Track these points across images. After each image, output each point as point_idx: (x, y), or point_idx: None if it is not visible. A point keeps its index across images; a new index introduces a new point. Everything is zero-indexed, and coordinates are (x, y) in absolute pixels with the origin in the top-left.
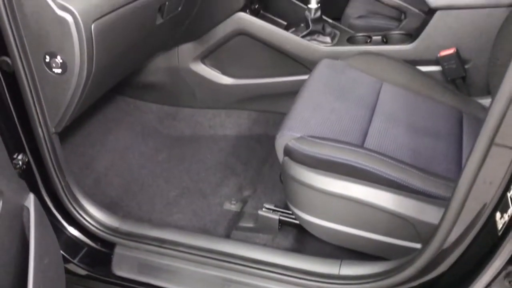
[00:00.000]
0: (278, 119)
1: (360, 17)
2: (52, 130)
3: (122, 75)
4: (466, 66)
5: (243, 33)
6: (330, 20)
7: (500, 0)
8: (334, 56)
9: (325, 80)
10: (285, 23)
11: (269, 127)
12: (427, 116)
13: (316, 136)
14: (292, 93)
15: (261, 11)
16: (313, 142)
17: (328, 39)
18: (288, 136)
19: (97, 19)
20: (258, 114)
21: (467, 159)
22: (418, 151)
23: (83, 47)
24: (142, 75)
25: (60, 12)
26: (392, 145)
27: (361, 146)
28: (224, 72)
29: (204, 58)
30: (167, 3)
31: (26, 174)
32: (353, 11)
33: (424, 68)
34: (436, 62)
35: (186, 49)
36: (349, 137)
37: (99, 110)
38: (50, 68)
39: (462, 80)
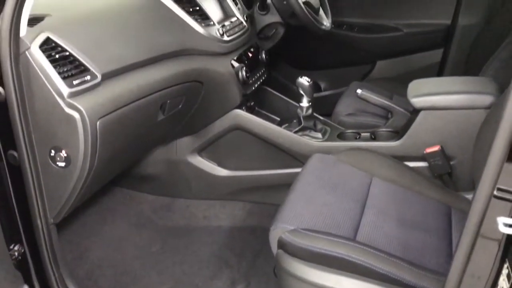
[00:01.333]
0: (272, 210)
1: (349, 114)
2: (51, 220)
3: (122, 168)
4: (451, 163)
5: (239, 128)
6: (321, 117)
7: (479, 102)
8: (325, 151)
9: (317, 173)
10: (278, 119)
11: (263, 219)
12: (417, 210)
13: (309, 229)
14: (285, 185)
15: (256, 108)
16: (306, 235)
17: (319, 134)
18: (281, 229)
19: (103, 116)
20: (252, 206)
21: (454, 254)
22: (409, 246)
23: (88, 143)
24: (140, 167)
25: (68, 110)
26: (383, 239)
27: (353, 239)
28: (220, 164)
29: (201, 151)
30: (168, 101)
31: (21, 265)
32: (342, 109)
33: (411, 164)
34: (422, 158)
35: (184, 143)
36: (341, 230)
37: (95, 200)
38: (55, 162)
39: (448, 175)
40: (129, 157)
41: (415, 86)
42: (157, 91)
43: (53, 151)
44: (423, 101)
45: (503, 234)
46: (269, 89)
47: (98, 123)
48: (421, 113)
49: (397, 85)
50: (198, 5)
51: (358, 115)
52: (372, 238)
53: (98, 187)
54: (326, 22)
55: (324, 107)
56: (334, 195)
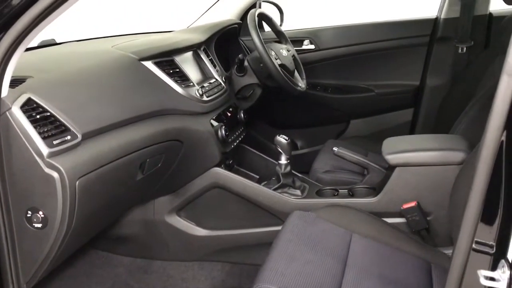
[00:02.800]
0: (252, 271)
1: (327, 171)
2: (24, 286)
3: (99, 228)
4: (428, 218)
5: (218, 187)
6: (299, 174)
7: (451, 158)
8: (304, 208)
9: (297, 231)
10: (257, 176)
11: (243, 279)
12: (398, 267)
13: None
14: (265, 244)
15: (235, 166)
16: None
17: (298, 192)
18: None
19: (82, 176)
20: (231, 266)
21: None
22: None
23: (66, 203)
24: (116, 227)
25: (48, 170)
26: None
27: None
28: (199, 224)
29: (179, 210)
30: (148, 160)
31: None
32: (320, 166)
33: (389, 220)
34: (400, 214)
35: (162, 202)
36: None
37: (70, 263)
38: (31, 223)
39: (426, 231)
40: (107, 217)
41: (389, 143)
42: (137, 150)
43: (29, 212)
44: (398, 158)
45: (484, 287)
46: (247, 147)
47: (77, 183)
48: (396, 170)
49: (371, 143)
50: (178, 67)
51: (335, 172)
52: None
53: (74, 249)
54: (301, 84)
55: (301, 164)
56: (315, 253)
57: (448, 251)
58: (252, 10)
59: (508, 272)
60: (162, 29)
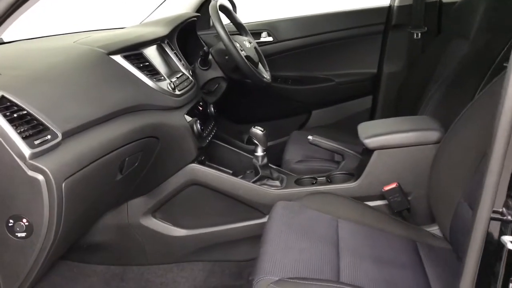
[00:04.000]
0: (235, 268)
1: (299, 161)
2: None
3: (79, 235)
4: (408, 198)
5: (195, 183)
6: (274, 166)
7: (427, 138)
8: (286, 198)
9: (285, 221)
10: (230, 171)
11: (225, 277)
12: (387, 248)
13: (293, 277)
14: (247, 239)
15: (207, 162)
16: (294, 283)
17: (277, 183)
18: (266, 280)
19: (68, 177)
20: (213, 265)
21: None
22: (391, 283)
23: (53, 208)
24: (87, 235)
25: (31, 173)
26: (366, 279)
27: (339, 281)
28: (176, 224)
29: (155, 211)
30: (127, 159)
31: None
32: (292, 157)
33: (371, 203)
34: (381, 196)
35: (136, 204)
36: (324, 274)
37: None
38: (13, 233)
39: (407, 211)
40: (88, 222)
41: (365, 128)
42: (117, 148)
43: (11, 221)
44: (376, 141)
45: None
46: (218, 142)
47: (63, 184)
48: (375, 153)
49: (334, 132)
50: (147, 60)
51: (308, 161)
52: (355, 279)
53: (56, 260)
54: (266, 75)
55: (268, 157)
56: (308, 240)
57: (430, 229)
58: (213, 2)
59: None
60: (106, 27)
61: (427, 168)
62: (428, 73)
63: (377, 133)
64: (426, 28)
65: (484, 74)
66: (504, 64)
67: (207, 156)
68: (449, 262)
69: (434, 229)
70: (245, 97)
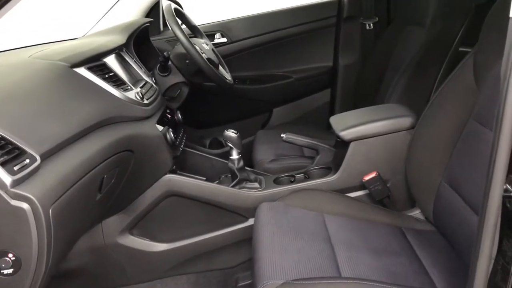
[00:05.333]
0: (220, 276)
1: (272, 161)
2: None
3: (60, 262)
4: (388, 185)
5: (173, 195)
6: (249, 168)
7: (401, 125)
8: (267, 199)
9: (274, 222)
10: (204, 178)
11: (211, 287)
12: (377, 238)
13: (298, 279)
14: (230, 245)
15: (178, 171)
16: (300, 285)
17: (256, 184)
18: (270, 285)
19: (54, 202)
20: (197, 276)
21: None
22: (391, 271)
23: (43, 238)
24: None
25: (15, 202)
26: (367, 271)
27: (342, 277)
28: (155, 239)
29: (132, 228)
30: (105, 176)
31: None
32: (263, 157)
33: (352, 194)
34: (361, 187)
35: (111, 223)
36: (325, 272)
37: None
38: None
39: (388, 198)
40: (69, 249)
41: (338, 121)
42: (96, 166)
43: None
44: (352, 133)
45: None
46: (189, 149)
47: (50, 211)
48: (352, 144)
49: (296, 128)
50: (111, 71)
51: (280, 160)
52: (356, 272)
53: None
54: (228, 76)
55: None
56: (301, 239)
57: (412, 213)
58: (166, 5)
59: None
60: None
61: (403, 154)
62: (383, 62)
63: (352, 125)
64: (377, 18)
65: (443, 59)
66: (460, 49)
67: (177, 165)
68: (437, 244)
69: (416, 213)
70: (204, 101)
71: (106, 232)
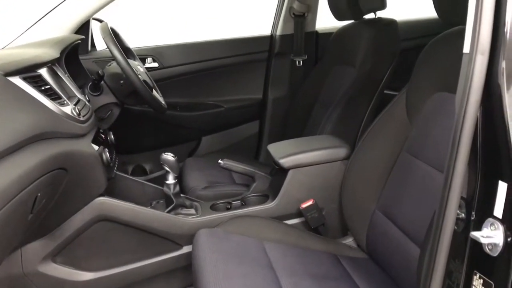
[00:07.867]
0: None
1: (205, 188)
2: None
3: None
4: (323, 213)
5: (104, 219)
6: (183, 195)
7: (337, 155)
8: (205, 226)
9: (214, 248)
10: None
11: None
12: (316, 264)
13: None
14: (162, 274)
15: (106, 195)
16: None
17: (192, 210)
18: None
19: None
20: None
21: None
22: None
23: None
24: None
25: None
26: None
27: None
28: (81, 267)
29: (55, 255)
30: (39, 194)
31: None
32: (196, 184)
33: (289, 222)
34: (298, 214)
35: (32, 249)
36: None
37: None
38: None
39: (323, 226)
40: None
41: (276, 149)
42: (33, 182)
43: None
44: (290, 161)
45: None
46: (119, 173)
47: None
48: (290, 172)
49: (225, 157)
50: (47, 83)
51: (214, 186)
52: None
53: None
54: (162, 100)
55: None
56: (245, 265)
57: (345, 241)
58: (103, 24)
59: (500, 226)
60: None
61: (338, 183)
62: (311, 97)
63: (291, 153)
64: (306, 56)
65: (371, 97)
66: (385, 92)
67: (105, 189)
68: (371, 270)
69: (349, 241)
70: (131, 125)
71: (25, 259)
